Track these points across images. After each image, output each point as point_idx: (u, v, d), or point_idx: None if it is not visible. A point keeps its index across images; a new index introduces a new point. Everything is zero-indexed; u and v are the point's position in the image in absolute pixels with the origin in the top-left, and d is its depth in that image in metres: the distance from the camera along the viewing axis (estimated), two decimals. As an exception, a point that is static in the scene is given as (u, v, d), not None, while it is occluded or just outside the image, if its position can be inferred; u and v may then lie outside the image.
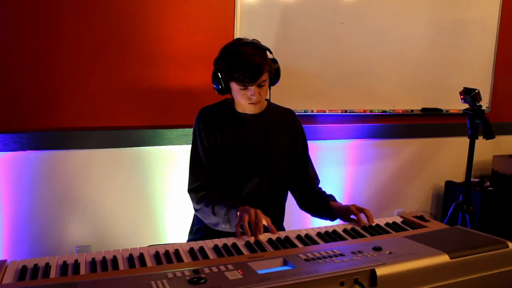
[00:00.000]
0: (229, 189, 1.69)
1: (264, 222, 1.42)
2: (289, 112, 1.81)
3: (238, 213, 1.46)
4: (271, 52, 1.62)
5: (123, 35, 2.20)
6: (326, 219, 1.70)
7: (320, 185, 1.82)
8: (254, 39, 1.62)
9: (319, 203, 1.71)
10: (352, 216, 1.57)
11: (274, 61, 1.65)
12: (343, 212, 1.60)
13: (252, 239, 1.38)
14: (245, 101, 1.60)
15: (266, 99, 1.74)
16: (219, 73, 1.60)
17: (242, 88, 1.55)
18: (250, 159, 1.69)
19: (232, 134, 1.68)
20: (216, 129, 1.67)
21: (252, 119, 1.70)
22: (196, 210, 1.67)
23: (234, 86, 1.58)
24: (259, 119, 1.71)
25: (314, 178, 1.81)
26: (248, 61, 1.50)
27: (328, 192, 1.76)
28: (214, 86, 1.65)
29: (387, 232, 1.48)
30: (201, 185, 1.66)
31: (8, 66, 2.04)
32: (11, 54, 2.04)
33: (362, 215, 1.55)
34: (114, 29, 2.18)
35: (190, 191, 1.67)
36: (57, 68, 2.11)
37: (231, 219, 1.51)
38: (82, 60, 2.15)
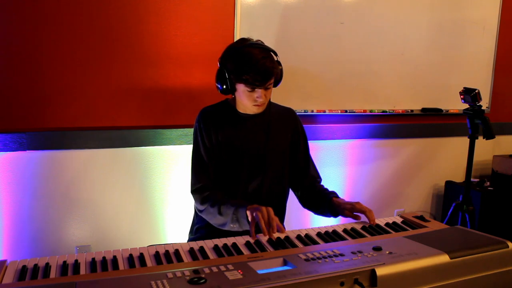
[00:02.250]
0: (231, 188, 1.69)
1: (275, 220, 1.42)
2: (290, 111, 1.81)
3: (248, 212, 1.46)
4: (276, 55, 1.62)
5: (123, 35, 2.20)
6: (329, 216, 1.70)
7: (322, 184, 1.82)
8: (259, 40, 1.62)
9: (321, 200, 1.71)
10: (355, 213, 1.58)
11: (278, 63, 1.65)
12: (347, 209, 1.60)
13: (272, 235, 1.39)
14: (250, 102, 1.60)
15: None
16: (226, 74, 1.59)
17: (250, 90, 1.56)
18: (252, 158, 1.69)
19: (233, 133, 1.68)
20: (217, 129, 1.67)
21: (253, 119, 1.70)
22: (200, 211, 1.66)
23: (241, 88, 1.58)
24: (260, 119, 1.71)
25: (316, 177, 1.81)
26: (259, 64, 1.50)
27: (335, 192, 1.76)
28: (218, 86, 1.64)
29: (387, 232, 1.48)
30: (204, 186, 1.65)
31: (8, 66, 2.04)
32: (11, 54, 2.04)
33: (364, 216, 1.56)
34: (114, 29, 2.18)
35: (193, 192, 1.67)
36: (57, 68, 2.11)
37: (240, 218, 1.50)
38: (82, 60, 2.15)
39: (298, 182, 1.80)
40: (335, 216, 1.68)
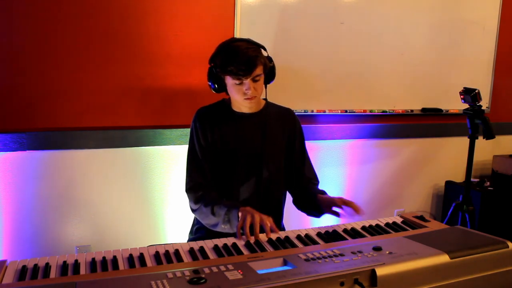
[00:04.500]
0: (227, 188, 1.68)
1: (268, 223, 1.41)
2: (288, 111, 1.80)
3: (239, 214, 1.46)
4: (265, 50, 1.63)
5: (123, 35, 2.20)
6: (315, 215, 1.68)
7: (319, 186, 1.80)
8: (249, 38, 1.64)
9: (309, 199, 1.69)
10: (334, 208, 1.55)
11: (269, 59, 1.65)
12: (328, 204, 1.57)
13: (252, 239, 1.38)
14: (240, 96, 1.59)
15: (264, 99, 1.74)
16: (214, 70, 1.61)
17: (237, 82, 1.56)
18: (248, 158, 1.69)
19: (229, 133, 1.68)
20: (213, 129, 1.67)
21: (249, 118, 1.70)
22: (194, 210, 1.66)
23: (229, 81, 1.58)
24: (257, 118, 1.71)
25: (312, 178, 1.79)
26: (242, 53, 1.51)
27: (324, 191, 1.74)
28: (210, 84, 1.65)
29: (387, 232, 1.48)
30: (198, 184, 1.65)
31: (8, 66, 2.04)
32: (11, 54, 2.04)
33: (348, 209, 1.50)
34: (114, 29, 2.18)
35: (188, 190, 1.67)
36: (57, 68, 2.11)
37: (231, 219, 1.50)
38: (82, 60, 2.15)
39: (294, 182, 1.79)
40: (319, 214, 1.65)
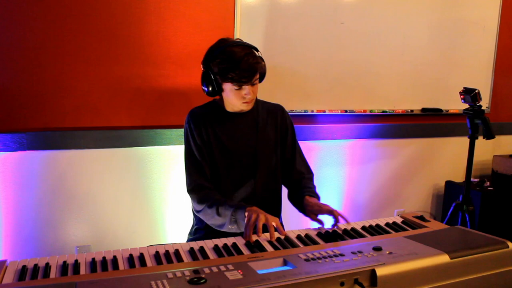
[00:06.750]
0: (224, 187, 1.68)
1: (274, 224, 1.42)
2: (278, 107, 1.81)
3: (246, 214, 1.46)
4: (258, 51, 1.63)
5: (123, 35, 2.20)
6: (304, 215, 1.68)
7: (314, 179, 1.81)
8: (238, 38, 1.65)
9: (299, 197, 1.70)
10: (319, 217, 1.56)
11: (261, 58, 1.66)
12: (315, 211, 1.58)
13: (254, 238, 1.39)
14: (239, 100, 1.61)
15: None
16: (212, 75, 1.60)
17: (237, 88, 1.57)
18: (243, 156, 1.69)
19: (223, 132, 1.68)
20: (207, 128, 1.68)
21: (242, 117, 1.71)
22: (198, 211, 1.65)
23: (228, 87, 1.59)
24: (249, 117, 1.72)
25: (304, 172, 1.79)
26: (243, 61, 1.52)
27: (316, 189, 1.75)
28: (204, 89, 1.64)
29: (387, 232, 1.48)
30: (200, 185, 1.65)
31: (8, 66, 2.04)
32: (10, 54, 2.04)
33: (331, 219, 1.53)
34: (115, 29, 2.18)
35: (190, 191, 1.67)
36: (58, 68, 2.11)
37: (238, 220, 1.50)
38: (83, 60, 2.15)
39: (286, 176, 1.80)
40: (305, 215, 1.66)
